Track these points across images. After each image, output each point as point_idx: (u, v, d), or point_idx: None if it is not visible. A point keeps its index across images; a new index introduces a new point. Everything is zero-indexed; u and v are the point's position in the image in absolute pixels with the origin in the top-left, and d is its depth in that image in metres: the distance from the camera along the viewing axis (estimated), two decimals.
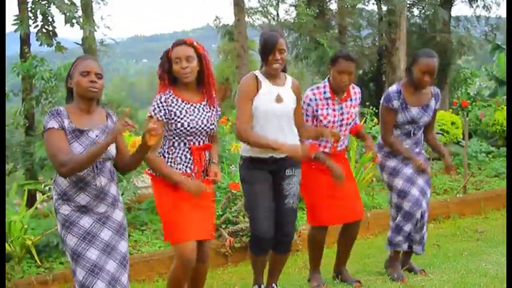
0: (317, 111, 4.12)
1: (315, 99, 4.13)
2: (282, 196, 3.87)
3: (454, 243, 5.59)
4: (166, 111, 3.39)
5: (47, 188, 5.88)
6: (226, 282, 4.80)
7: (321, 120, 4.14)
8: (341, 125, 4.20)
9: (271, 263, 4.07)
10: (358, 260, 4.92)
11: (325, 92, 4.16)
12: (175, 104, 3.41)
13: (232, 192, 5.55)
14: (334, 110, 4.16)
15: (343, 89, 4.17)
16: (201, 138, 3.49)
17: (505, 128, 10.43)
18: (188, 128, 3.40)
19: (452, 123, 10.03)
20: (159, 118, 3.36)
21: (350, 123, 4.27)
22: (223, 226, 5.33)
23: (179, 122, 3.39)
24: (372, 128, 8.42)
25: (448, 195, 7.31)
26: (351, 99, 4.25)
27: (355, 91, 4.30)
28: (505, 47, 17.52)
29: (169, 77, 3.45)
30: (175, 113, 3.39)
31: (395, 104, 4.29)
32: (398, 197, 4.38)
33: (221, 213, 5.40)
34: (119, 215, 3.20)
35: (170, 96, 3.42)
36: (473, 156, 9.22)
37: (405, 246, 4.43)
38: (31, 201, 6.19)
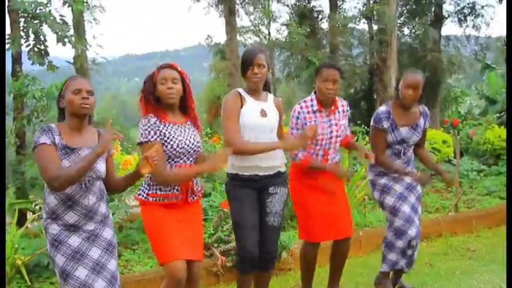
0: (306, 124, 4.10)
1: (303, 112, 4.13)
2: (265, 213, 3.87)
3: (446, 261, 5.58)
4: (158, 133, 3.38)
5: (37, 207, 5.84)
6: None
7: None
8: (331, 137, 4.19)
9: (255, 282, 4.05)
10: (350, 278, 4.90)
11: (312, 105, 4.16)
12: (163, 126, 3.42)
13: (224, 210, 5.50)
14: (322, 122, 4.16)
15: (330, 98, 4.17)
16: (188, 159, 3.50)
17: (496, 147, 10.51)
18: (177, 149, 3.41)
19: (444, 142, 10.08)
20: (153, 140, 3.35)
21: (340, 136, 4.26)
22: (215, 245, 5.29)
23: (169, 143, 3.40)
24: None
25: (439, 213, 7.31)
26: (339, 112, 4.26)
27: (343, 103, 4.32)
28: (494, 66, 17.70)
29: (154, 98, 3.47)
30: (164, 133, 3.40)
31: (385, 124, 4.31)
32: (390, 214, 4.39)
33: (213, 232, 5.36)
34: (108, 233, 3.20)
35: (157, 119, 3.42)
36: (464, 175, 9.24)
37: (402, 263, 4.41)
38: (21, 220, 6.12)
